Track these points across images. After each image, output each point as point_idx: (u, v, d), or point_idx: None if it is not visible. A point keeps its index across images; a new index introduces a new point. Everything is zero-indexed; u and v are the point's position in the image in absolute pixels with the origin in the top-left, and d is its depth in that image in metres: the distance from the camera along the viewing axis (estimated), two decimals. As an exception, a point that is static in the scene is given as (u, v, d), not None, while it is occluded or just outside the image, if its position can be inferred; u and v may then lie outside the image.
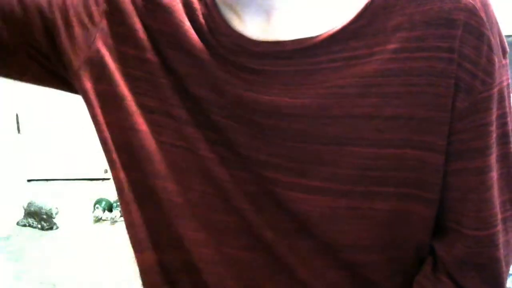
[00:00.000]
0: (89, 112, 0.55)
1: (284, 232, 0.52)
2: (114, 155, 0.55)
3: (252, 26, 0.50)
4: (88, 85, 0.54)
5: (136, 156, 0.54)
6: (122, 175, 0.55)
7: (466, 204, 0.50)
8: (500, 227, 0.50)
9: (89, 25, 0.54)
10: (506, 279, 0.52)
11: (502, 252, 0.50)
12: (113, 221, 3.08)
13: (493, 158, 0.49)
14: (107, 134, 0.54)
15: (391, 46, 0.46)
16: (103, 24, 0.54)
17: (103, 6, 0.55)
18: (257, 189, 0.52)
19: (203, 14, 0.53)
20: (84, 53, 0.54)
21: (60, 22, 0.54)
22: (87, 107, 0.55)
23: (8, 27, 0.55)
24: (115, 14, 0.54)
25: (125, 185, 0.55)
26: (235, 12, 0.51)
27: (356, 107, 0.47)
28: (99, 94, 0.54)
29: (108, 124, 0.54)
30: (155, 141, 0.53)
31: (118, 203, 0.55)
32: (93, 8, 0.55)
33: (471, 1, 0.46)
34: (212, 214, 0.53)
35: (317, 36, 0.48)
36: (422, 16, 0.46)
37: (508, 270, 0.52)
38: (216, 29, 0.51)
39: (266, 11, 0.49)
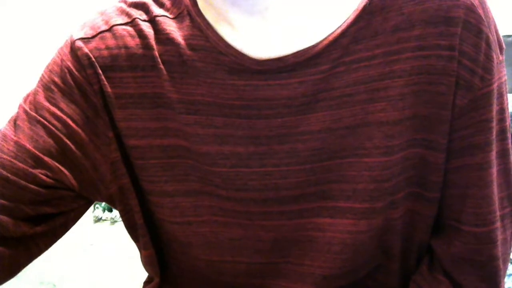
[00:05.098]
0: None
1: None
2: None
3: (249, 38, 0.48)
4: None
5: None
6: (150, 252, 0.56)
7: (465, 200, 0.50)
8: (498, 224, 0.50)
9: (105, 153, 0.52)
10: (504, 277, 0.53)
11: (500, 249, 0.50)
12: (113, 221, 3.07)
13: (493, 155, 0.49)
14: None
15: (393, 48, 0.46)
16: (113, 145, 0.51)
17: (110, 133, 0.51)
18: (274, 235, 0.51)
19: (193, 36, 0.49)
20: (113, 180, 0.53)
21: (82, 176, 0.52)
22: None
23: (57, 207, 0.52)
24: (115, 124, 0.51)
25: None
26: (228, 23, 0.48)
27: (368, 114, 0.47)
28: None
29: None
30: (174, 221, 0.53)
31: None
32: (104, 134, 0.51)
33: None
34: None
35: (317, 44, 0.47)
36: (420, 14, 0.46)
37: (505, 268, 0.53)
38: (213, 48, 0.48)
39: (260, 12, 0.46)
